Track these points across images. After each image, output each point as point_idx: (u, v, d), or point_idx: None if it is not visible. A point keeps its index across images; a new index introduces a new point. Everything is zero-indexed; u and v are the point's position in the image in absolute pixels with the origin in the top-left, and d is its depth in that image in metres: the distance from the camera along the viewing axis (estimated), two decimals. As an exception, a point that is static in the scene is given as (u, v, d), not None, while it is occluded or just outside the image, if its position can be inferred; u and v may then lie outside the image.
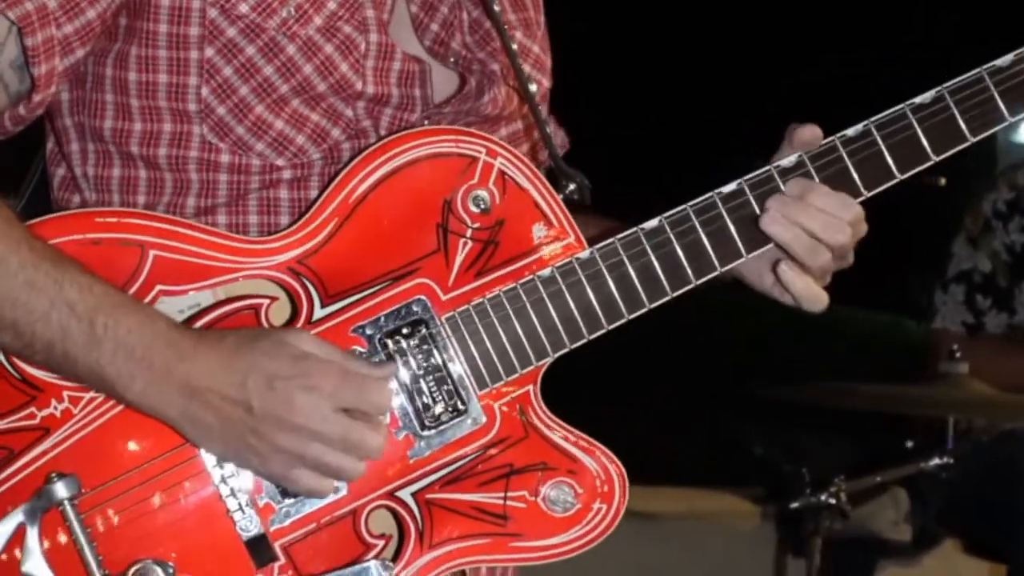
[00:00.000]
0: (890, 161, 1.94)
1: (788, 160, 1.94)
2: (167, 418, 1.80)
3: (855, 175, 1.94)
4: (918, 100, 1.95)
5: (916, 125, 1.94)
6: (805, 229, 1.90)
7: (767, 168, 1.95)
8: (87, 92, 1.97)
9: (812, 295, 1.95)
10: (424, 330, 1.87)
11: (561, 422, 1.92)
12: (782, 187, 1.93)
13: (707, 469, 5.03)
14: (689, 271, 1.92)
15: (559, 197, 1.94)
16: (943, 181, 3.50)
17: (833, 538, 4.59)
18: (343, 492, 1.85)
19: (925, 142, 1.94)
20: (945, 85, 1.95)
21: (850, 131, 1.95)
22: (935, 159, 1.96)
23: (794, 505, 3.75)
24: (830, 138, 1.95)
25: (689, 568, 4.58)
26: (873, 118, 1.95)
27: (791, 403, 4.35)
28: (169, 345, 1.78)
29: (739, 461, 4.77)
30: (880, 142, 1.94)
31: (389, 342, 1.87)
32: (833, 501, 3.70)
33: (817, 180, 1.93)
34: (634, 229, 1.93)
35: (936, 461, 3.88)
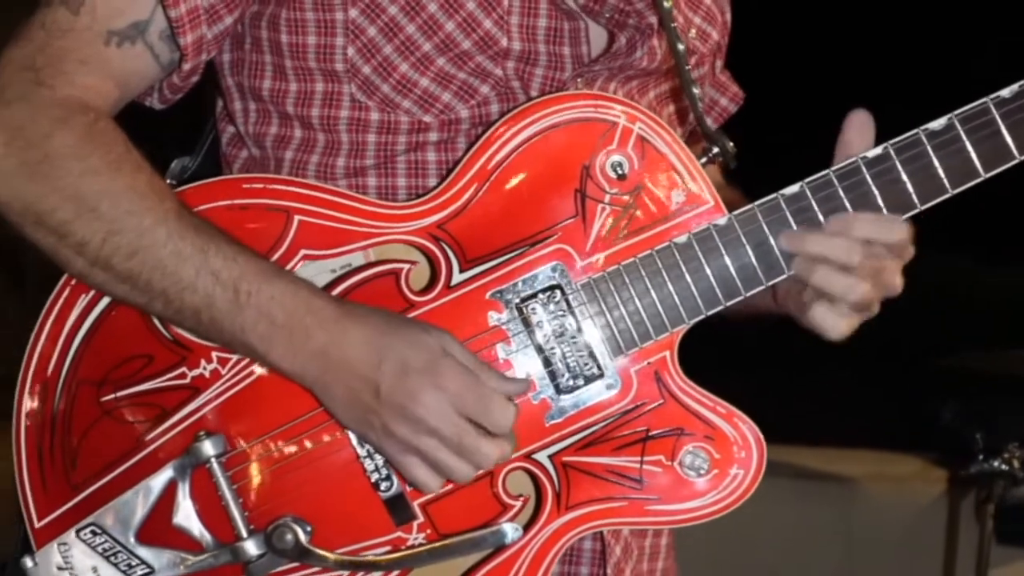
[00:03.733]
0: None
1: (937, 123, 1.90)
2: (303, 383, 1.85)
3: None
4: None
5: None
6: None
7: (915, 132, 1.91)
8: (246, 54, 2.02)
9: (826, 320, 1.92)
10: (560, 296, 1.89)
11: (699, 388, 1.92)
12: (928, 147, 1.89)
13: (897, 434, 4.98)
14: (830, 237, 1.90)
15: (699, 162, 1.93)
16: None
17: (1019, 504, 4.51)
18: (482, 454, 1.88)
19: None
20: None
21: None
22: None
23: (967, 471, 3.69)
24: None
25: (868, 529, 4.56)
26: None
27: (982, 371, 4.28)
28: (310, 312, 1.83)
29: (928, 427, 4.70)
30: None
31: (525, 307, 1.89)
32: (1006, 468, 3.62)
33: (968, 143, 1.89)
34: (774, 195, 1.91)
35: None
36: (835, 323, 1.91)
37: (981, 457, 3.69)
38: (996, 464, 3.65)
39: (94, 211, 1.83)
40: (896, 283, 1.93)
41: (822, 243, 1.87)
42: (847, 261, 1.87)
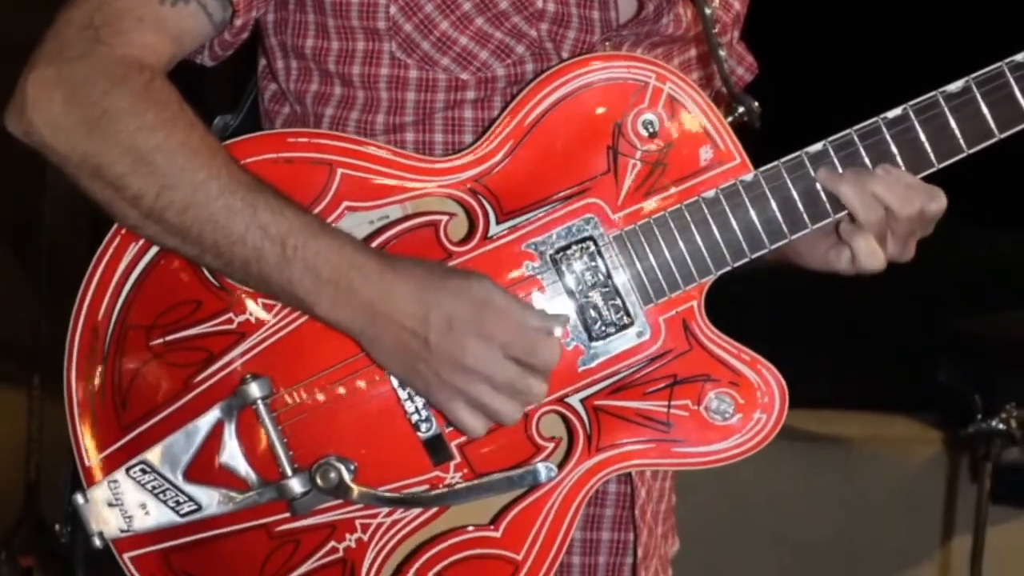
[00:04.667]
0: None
1: (954, 86, 1.99)
2: (349, 333, 1.92)
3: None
4: None
5: None
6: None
7: (933, 94, 1.99)
8: (290, 13, 2.09)
9: (871, 250, 2.01)
10: (593, 247, 1.97)
11: (724, 336, 2.00)
12: (946, 108, 1.97)
13: (894, 395, 5.06)
14: (852, 193, 1.98)
15: (727, 120, 2.01)
16: None
17: (1018, 464, 4.61)
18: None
19: None
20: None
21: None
22: None
23: (966, 431, 3.78)
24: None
25: (867, 490, 4.65)
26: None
27: (979, 333, 4.37)
28: (354, 267, 1.89)
29: (925, 389, 4.79)
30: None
31: (559, 257, 1.97)
32: (1004, 427, 3.72)
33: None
34: (798, 153, 1.99)
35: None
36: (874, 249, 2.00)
37: (980, 417, 3.78)
38: (994, 424, 3.74)
39: (149, 166, 1.90)
40: (911, 252, 2.05)
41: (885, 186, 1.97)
42: (899, 210, 1.97)
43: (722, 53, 2.10)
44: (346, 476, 1.95)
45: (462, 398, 1.90)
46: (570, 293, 1.97)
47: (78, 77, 1.91)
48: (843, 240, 2.01)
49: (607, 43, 2.08)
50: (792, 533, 4.67)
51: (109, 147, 1.91)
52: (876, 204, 1.96)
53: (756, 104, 2.08)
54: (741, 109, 2.06)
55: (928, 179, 2.02)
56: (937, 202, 2.00)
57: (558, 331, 1.93)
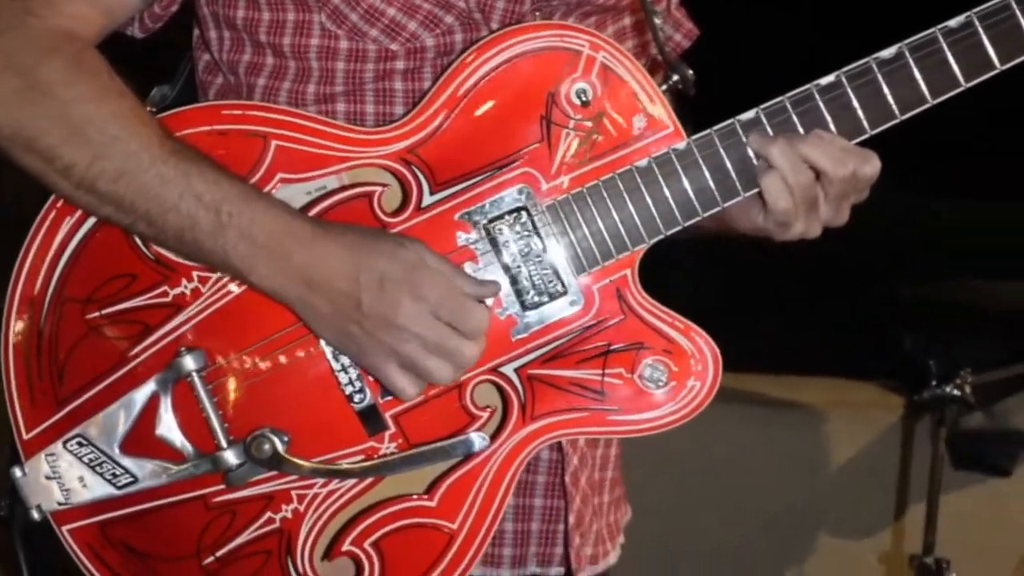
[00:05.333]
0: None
1: (887, 52, 1.99)
2: (285, 301, 1.93)
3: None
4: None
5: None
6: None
7: (865, 60, 1.99)
8: None
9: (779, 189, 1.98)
10: (526, 217, 1.98)
11: (658, 304, 2.01)
12: (879, 74, 1.98)
13: (856, 362, 5.09)
14: (784, 160, 1.98)
15: (661, 89, 2.01)
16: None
17: (977, 431, 4.65)
18: (450, 368, 1.97)
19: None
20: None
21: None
22: None
23: (921, 397, 3.80)
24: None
25: (829, 454, 4.68)
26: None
27: (938, 300, 4.39)
28: (288, 234, 1.90)
29: (888, 355, 4.82)
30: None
31: (492, 228, 1.97)
32: (958, 393, 3.74)
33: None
34: (731, 120, 2.00)
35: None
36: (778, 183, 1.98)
37: (934, 383, 3.80)
38: (948, 390, 3.76)
39: (81, 136, 1.90)
40: (846, 215, 2.04)
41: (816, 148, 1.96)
42: (831, 171, 1.96)
43: (657, 21, 2.10)
44: (280, 447, 1.96)
45: (394, 358, 1.91)
46: (503, 263, 1.97)
47: (8, 49, 1.91)
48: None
49: (537, 13, 2.08)
50: (754, 497, 4.70)
51: (41, 119, 1.91)
52: (804, 167, 1.96)
53: (691, 72, 2.08)
54: (676, 77, 2.07)
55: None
56: (871, 165, 2.00)
57: (489, 300, 1.94)
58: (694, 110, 2.12)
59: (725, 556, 4.69)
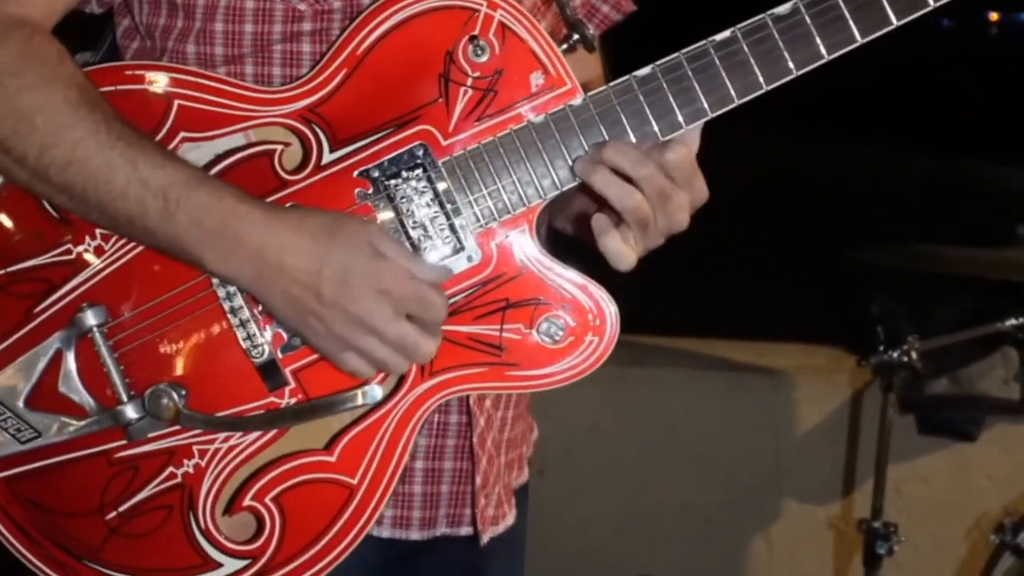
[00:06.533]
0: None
1: (783, 8, 2.00)
2: (239, 285, 1.96)
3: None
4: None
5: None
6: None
7: (761, 16, 2.00)
8: None
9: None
10: (423, 173, 1.99)
11: (556, 260, 2.02)
12: (775, 34, 1.99)
13: (821, 327, 5.11)
14: (680, 116, 2.00)
15: (559, 48, 2.03)
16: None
17: (944, 396, 4.67)
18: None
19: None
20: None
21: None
22: None
23: (866, 362, 3.81)
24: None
25: (794, 418, 4.71)
26: None
27: (892, 265, 4.40)
28: (238, 217, 1.91)
29: (851, 321, 4.84)
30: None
31: (390, 184, 1.99)
32: (905, 359, 3.75)
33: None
34: (627, 76, 2.01)
35: (1012, 321, 3.89)
36: (618, 246, 1.97)
37: (881, 349, 3.81)
38: (895, 356, 3.78)
39: (30, 126, 1.92)
40: (683, 218, 2.00)
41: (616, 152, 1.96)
42: (631, 172, 1.95)
43: None
44: (177, 401, 1.98)
45: (351, 348, 1.93)
46: (400, 219, 1.99)
47: None
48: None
49: None
50: (722, 462, 4.73)
51: None
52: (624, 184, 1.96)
53: (591, 31, 2.10)
54: (576, 36, 2.08)
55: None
56: (674, 151, 1.97)
57: (443, 280, 1.97)
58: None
59: (692, 514, 4.73)
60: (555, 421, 4.40)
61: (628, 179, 1.96)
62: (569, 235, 2.30)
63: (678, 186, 1.97)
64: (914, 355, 3.76)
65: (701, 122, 2.00)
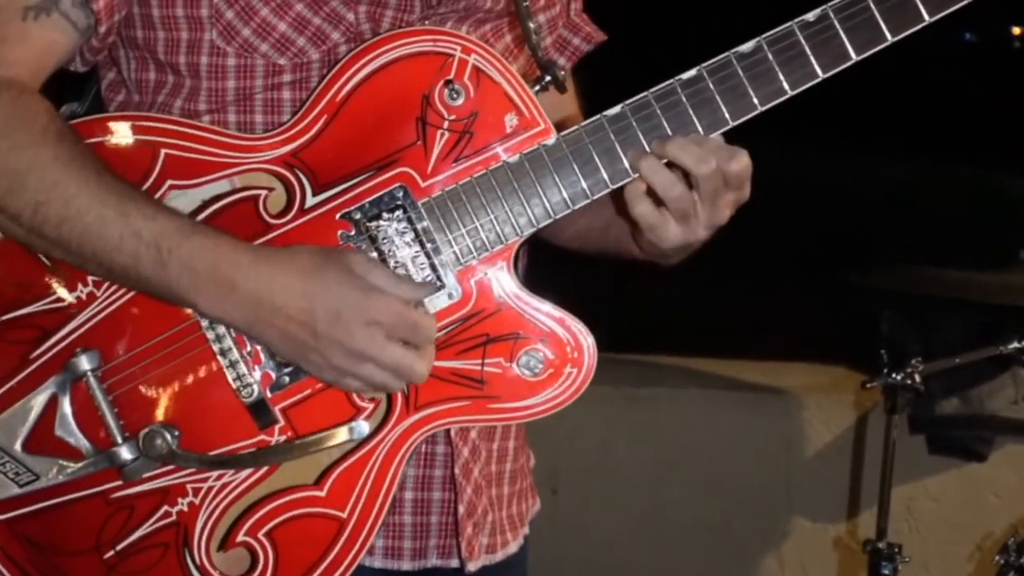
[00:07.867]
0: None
1: (746, 46, 2.06)
2: (235, 328, 2.03)
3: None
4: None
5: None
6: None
7: (726, 55, 2.06)
8: (128, 6, 2.17)
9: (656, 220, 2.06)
10: (403, 214, 2.06)
11: (534, 295, 2.08)
12: (740, 72, 2.05)
13: (833, 348, 5.15)
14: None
15: (531, 89, 2.09)
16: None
17: (953, 416, 4.69)
18: (336, 363, 2.04)
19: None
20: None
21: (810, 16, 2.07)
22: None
23: (869, 385, 3.85)
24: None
25: (806, 438, 4.75)
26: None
27: (898, 288, 4.44)
28: (229, 264, 1.98)
29: (862, 341, 4.88)
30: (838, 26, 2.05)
31: (372, 226, 2.06)
32: (909, 382, 3.78)
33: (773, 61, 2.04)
34: (598, 116, 2.07)
35: (1015, 344, 3.92)
36: (651, 210, 2.06)
37: (886, 371, 3.85)
38: (898, 378, 3.81)
39: (23, 185, 1.99)
40: (727, 214, 2.10)
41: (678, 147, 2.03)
42: (693, 169, 2.03)
43: (532, 24, 2.17)
44: (171, 442, 2.04)
45: (350, 376, 2.01)
46: (383, 259, 2.05)
47: None
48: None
49: (426, 21, 2.16)
50: (733, 480, 4.77)
51: None
52: (670, 172, 2.03)
53: (562, 72, 2.16)
54: (548, 78, 2.14)
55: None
56: (737, 161, 2.06)
57: (426, 297, 2.04)
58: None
59: (704, 532, 4.77)
60: (569, 440, 4.48)
61: (685, 174, 2.03)
62: (575, 250, 2.40)
63: (730, 189, 2.06)
64: (918, 378, 3.80)
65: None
